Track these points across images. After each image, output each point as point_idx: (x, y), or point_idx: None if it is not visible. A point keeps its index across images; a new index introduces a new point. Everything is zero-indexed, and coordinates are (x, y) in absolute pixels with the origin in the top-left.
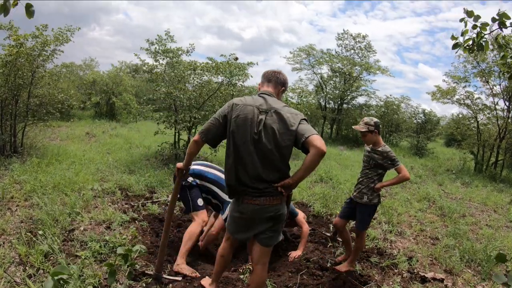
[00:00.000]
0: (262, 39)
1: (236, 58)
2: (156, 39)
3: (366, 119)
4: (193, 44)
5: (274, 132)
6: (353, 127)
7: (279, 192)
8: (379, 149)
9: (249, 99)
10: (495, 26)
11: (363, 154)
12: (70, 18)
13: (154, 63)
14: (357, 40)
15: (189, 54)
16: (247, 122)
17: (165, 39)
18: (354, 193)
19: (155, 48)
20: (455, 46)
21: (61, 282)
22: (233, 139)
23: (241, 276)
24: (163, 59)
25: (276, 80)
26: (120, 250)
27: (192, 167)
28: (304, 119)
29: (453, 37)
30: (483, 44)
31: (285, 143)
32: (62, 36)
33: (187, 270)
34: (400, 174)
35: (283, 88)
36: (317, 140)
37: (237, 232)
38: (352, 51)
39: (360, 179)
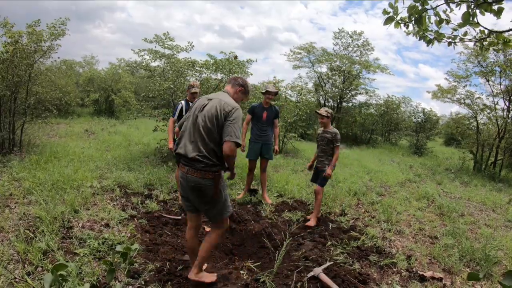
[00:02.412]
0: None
1: (236, 57)
2: (153, 38)
3: (326, 108)
4: (192, 42)
5: (207, 115)
6: (316, 111)
7: (204, 167)
8: (330, 130)
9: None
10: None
11: (318, 137)
12: (75, 15)
13: (152, 61)
14: (353, 37)
15: (189, 51)
16: (197, 107)
17: (164, 39)
18: (318, 165)
19: (154, 46)
20: (387, 21)
21: (60, 279)
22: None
23: (242, 272)
24: (161, 59)
25: (234, 82)
26: (119, 248)
27: None
28: (233, 119)
29: (385, 11)
30: (423, 16)
31: (211, 125)
32: (57, 30)
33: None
34: (336, 152)
35: (240, 88)
36: (226, 148)
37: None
38: (350, 48)
39: (321, 154)
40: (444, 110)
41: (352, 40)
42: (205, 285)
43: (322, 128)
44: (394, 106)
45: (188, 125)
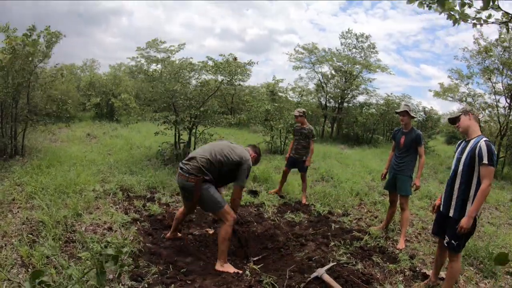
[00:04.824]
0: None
1: (235, 58)
2: (146, 44)
3: (301, 109)
4: (184, 43)
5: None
6: (294, 112)
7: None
8: (306, 127)
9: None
10: None
11: (295, 132)
12: (82, 18)
13: (148, 66)
14: (360, 40)
15: (181, 48)
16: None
17: (157, 43)
18: (296, 155)
19: (147, 52)
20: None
21: (43, 285)
22: None
23: (247, 273)
24: (157, 63)
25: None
26: (110, 251)
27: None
28: (244, 168)
29: None
30: None
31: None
32: (52, 37)
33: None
34: (311, 147)
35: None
36: (235, 193)
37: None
38: (354, 50)
39: (298, 146)
40: (445, 108)
41: (358, 42)
42: (229, 275)
43: (300, 124)
44: (395, 105)
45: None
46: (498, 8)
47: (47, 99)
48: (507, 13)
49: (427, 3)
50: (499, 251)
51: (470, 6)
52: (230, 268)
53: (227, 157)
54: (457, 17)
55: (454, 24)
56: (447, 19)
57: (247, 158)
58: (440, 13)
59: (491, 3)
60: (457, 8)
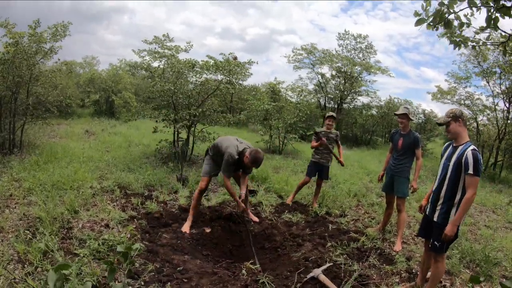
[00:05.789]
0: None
1: (235, 57)
2: (153, 39)
3: (331, 112)
4: (190, 42)
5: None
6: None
7: None
8: (333, 131)
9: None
10: (464, 4)
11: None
12: (84, 16)
13: (152, 62)
14: (358, 40)
15: (188, 51)
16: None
17: (163, 40)
18: (323, 160)
19: (154, 48)
20: (418, 22)
21: (64, 278)
22: None
23: (243, 271)
24: (161, 60)
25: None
26: (120, 248)
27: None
28: (225, 158)
29: (416, 13)
30: (450, 20)
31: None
32: (59, 31)
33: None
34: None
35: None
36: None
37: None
38: (353, 51)
39: (325, 151)
40: (444, 111)
41: (356, 43)
42: (226, 274)
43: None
44: (395, 108)
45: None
46: (496, 28)
47: (47, 94)
48: (505, 35)
49: (433, 25)
50: (494, 256)
51: (468, 25)
52: (186, 227)
53: (219, 146)
54: (457, 40)
55: (454, 48)
56: (450, 44)
57: (228, 151)
58: (442, 38)
59: (492, 23)
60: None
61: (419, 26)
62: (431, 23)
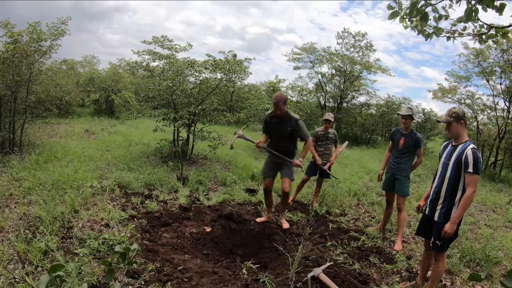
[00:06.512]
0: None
1: (235, 55)
2: (152, 39)
3: (331, 113)
4: (190, 43)
5: None
6: (325, 117)
7: None
8: (331, 131)
9: None
10: None
11: (320, 137)
12: (86, 15)
13: (152, 61)
14: (356, 38)
15: (188, 50)
16: None
17: (162, 41)
18: (324, 160)
19: (154, 48)
20: (392, 15)
21: (58, 279)
22: None
23: (244, 270)
24: (161, 59)
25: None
26: (118, 248)
27: None
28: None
29: (389, 7)
30: (427, 13)
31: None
32: (58, 30)
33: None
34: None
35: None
36: None
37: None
38: (352, 49)
39: (326, 152)
40: (444, 110)
41: (355, 41)
42: (226, 273)
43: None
44: (395, 106)
45: None
46: (476, 20)
47: (47, 92)
48: (483, 25)
49: (408, 18)
50: (493, 256)
51: (446, 18)
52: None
53: None
54: (429, 32)
55: (426, 39)
56: (418, 34)
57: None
58: (411, 29)
59: (472, 15)
60: (432, 22)
61: (392, 19)
62: (404, 16)
